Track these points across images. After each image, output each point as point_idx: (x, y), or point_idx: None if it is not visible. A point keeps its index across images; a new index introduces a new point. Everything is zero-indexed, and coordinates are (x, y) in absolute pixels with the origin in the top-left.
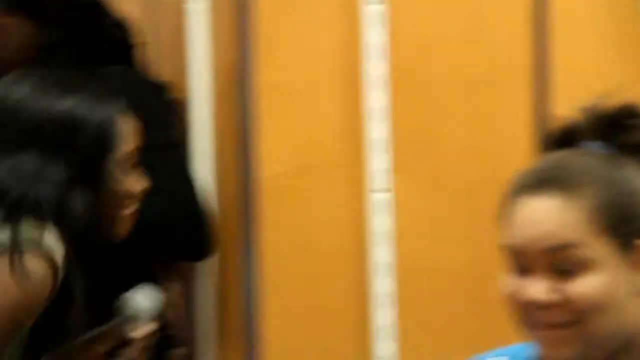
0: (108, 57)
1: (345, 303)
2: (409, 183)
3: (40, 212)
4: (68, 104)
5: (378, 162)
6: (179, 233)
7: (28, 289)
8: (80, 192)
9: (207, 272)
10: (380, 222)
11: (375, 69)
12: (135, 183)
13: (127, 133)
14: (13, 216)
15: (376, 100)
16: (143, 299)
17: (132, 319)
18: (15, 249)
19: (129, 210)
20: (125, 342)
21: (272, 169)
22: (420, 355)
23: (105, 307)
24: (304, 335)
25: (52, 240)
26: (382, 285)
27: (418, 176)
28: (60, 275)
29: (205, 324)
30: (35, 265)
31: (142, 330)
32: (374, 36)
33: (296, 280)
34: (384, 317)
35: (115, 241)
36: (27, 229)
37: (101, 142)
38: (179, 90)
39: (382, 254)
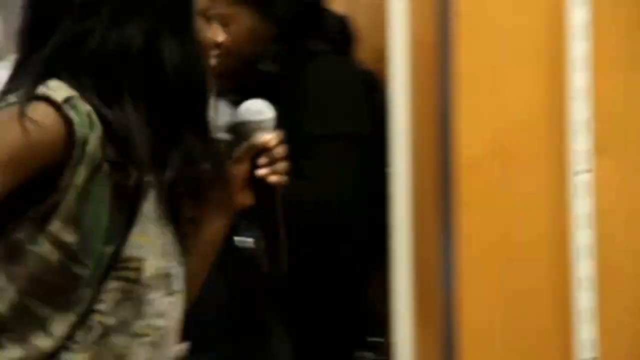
0: (325, 50)
1: (545, 286)
2: (610, 164)
3: (126, 63)
4: None
5: (580, 143)
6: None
7: (31, 134)
8: (168, 40)
9: (403, 257)
10: (582, 204)
11: (579, 48)
12: (215, 34)
13: None
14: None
15: (579, 80)
16: (258, 106)
17: (256, 127)
18: (29, 98)
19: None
20: (261, 149)
21: (471, 151)
22: (620, 339)
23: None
24: (503, 320)
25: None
26: (583, 268)
27: (620, 157)
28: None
29: (401, 309)
30: (42, 116)
31: (269, 135)
32: (579, 15)
33: (495, 264)
34: (585, 300)
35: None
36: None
37: None
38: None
39: (583, 237)
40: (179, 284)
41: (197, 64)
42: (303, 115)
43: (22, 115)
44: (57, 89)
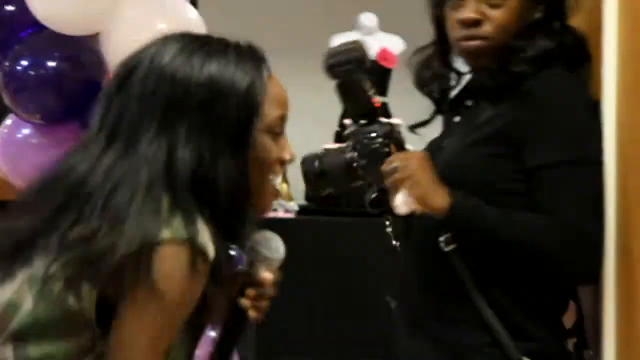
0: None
1: None
2: None
3: (193, 188)
4: (214, 69)
5: None
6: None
7: (195, 284)
8: (228, 160)
9: (610, 276)
10: None
11: None
12: (282, 151)
13: (274, 98)
14: (178, 203)
15: None
16: (276, 244)
17: (263, 261)
18: (192, 246)
19: (273, 181)
20: (255, 283)
21: None
22: None
23: None
24: None
25: (206, 234)
26: None
27: None
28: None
29: (608, 326)
30: (199, 262)
31: (270, 273)
32: None
33: None
34: None
35: (259, 214)
36: (183, 224)
37: (248, 106)
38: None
39: None
40: None
41: (245, 184)
42: (538, 140)
43: (193, 262)
44: (208, 241)
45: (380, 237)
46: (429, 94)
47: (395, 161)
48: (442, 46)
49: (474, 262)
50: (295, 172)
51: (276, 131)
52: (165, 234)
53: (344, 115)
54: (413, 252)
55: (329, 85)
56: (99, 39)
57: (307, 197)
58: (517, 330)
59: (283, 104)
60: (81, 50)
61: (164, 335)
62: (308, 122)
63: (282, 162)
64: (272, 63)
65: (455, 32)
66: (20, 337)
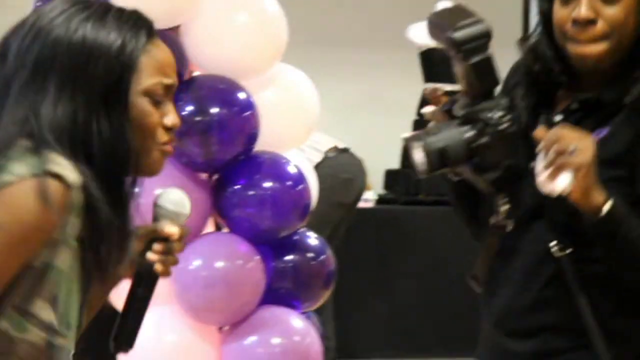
0: None
1: None
2: None
3: (63, 142)
4: (88, 30)
5: None
6: None
7: (46, 215)
8: (102, 120)
9: None
10: None
11: None
12: (163, 117)
13: (156, 64)
14: (38, 147)
15: None
16: (181, 198)
17: (169, 216)
18: (40, 176)
19: (159, 146)
20: (160, 239)
21: None
22: None
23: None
24: None
25: (73, 173)
26: None
27: None
28: (79, 209)
29: None
30: (54, 193)
31: (175, 228)
32: None
33: None
34: None
35: (147, 176)
36: (50, 160)
37: (120, 68)
38: None
39: None
40: None
41: (122, 145)
42: None
43: (41, 194)
44: (66, 169)
45: (458, 226)
46: (534, 87)
47: (572, 141)
48: (549, 41)
49: (587, 267)
50: (372, 162)
51: (156, 98)
52: (9, 174)
53: (421, 105)
54: (520, 242)
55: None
56: (181, 32)
57: (386, 186)
58: (614, 336)
59: (165, 71)
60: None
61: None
62: (386, 113)
63: (166, 129)
64: (352, 56)
65: (565, 29)
66: None
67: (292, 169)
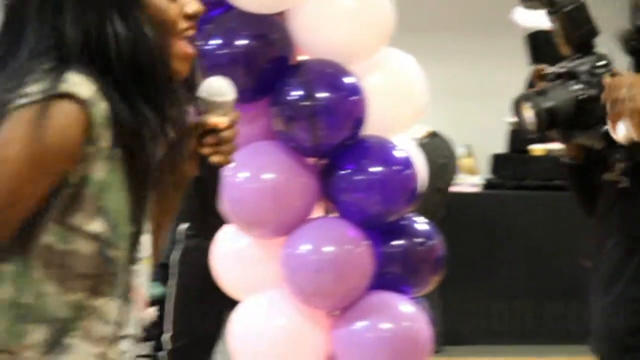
0: None
1: None
2: None
3: (81, 56)
4: None
5: None
6: None
7: (63, 133)
8: (116, 23)
9: None
10: None
11: None
12: (182, 6)
13: None
14: (55, 67)
15: None
16: (220, 85)
17: (213, 106)
18: (44, 98)
19: (182, 42)
20: (210, 130)
21: None
22: None
23: None
24: None
25: (87, 87)
26: None
27: None
28: (105, 119)
29: None
30: (67, 112)
31: (219, 117)
32: None
33: None
34: None
35: (176, 78)
36: (63, 80)
37: None
38: None
39: None
40: (146, 250)
41: (143, 44)
42: None
43: (46, 115)
44: (79, 84)
45: (564, 210)
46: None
47: (621, 88)
48: None
49: None
50: (479, 147)
51: None
52: (25, 97)
53: (528, 88)
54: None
55: (513, 59)
56: (288, 16)
57: (493, 171)
58: None
59: None
60: (270, 27)
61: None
62: (493, 97)
63: (188, 17)
64: (458, 40)
65: None
66: None
67: (400, 154)
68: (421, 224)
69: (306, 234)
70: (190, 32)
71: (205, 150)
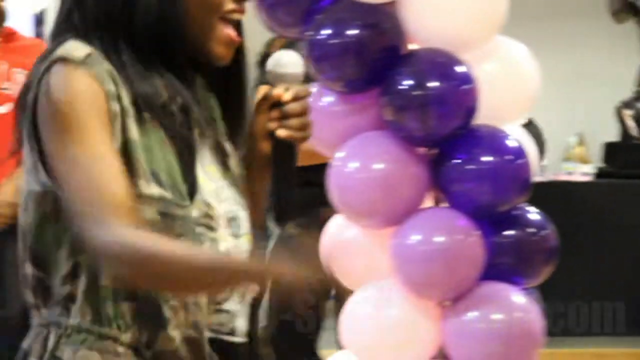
0: None
1: None
2: None
3: (99, 27)
4: None
5: None
6: None
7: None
8: None
9: None
10: None
11: None
12: None
13: None
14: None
15: None
16: (288, 58)
17: (279, 78)
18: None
19: (226, 26)
20: (276, 103)
21: None
22: None
23: None
24: None
25: (80, 49)
26: None
27: None
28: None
29: None
30: (64, 74)
31: (281, 88)
32: None
33: None
34: None
35: (217, 63)
36: (61, 47)
37: None
38: None
39: None
40: (244, 227)
41: (171, 15)
42: None
43: (50, 82)
44: (75, 49)
45: None
46: None
47: None
48: None
49: None
50: (591, 135)
51: None
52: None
53: None
54: None
55: (626, 48)
56: (398, 6)
57: (605, 160)
58: None
59: None
60: (381, 17)
61: (96, 153)
62: (605, 85)
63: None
64: (570, 28)
65: None
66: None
67: (512, 143)
68: (533, 213)
69: (416, 224)
70: (237, 16)
71: (272, 125)
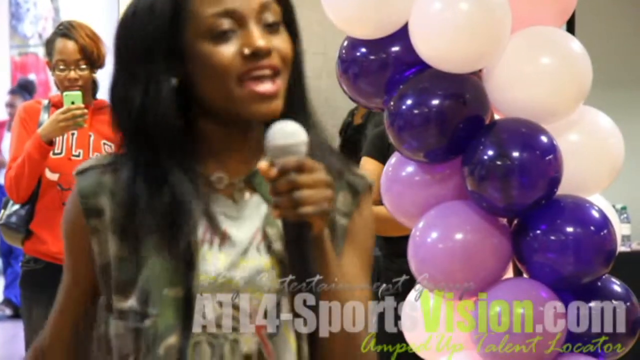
0: None
1: None
2: None
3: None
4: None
5: None
6: None
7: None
8: (131, 87)
9: None
10: None
11: None
12: (241, 46)
13: None
14: None
15: None
16: (283, 129)
17: (280, 151)
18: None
19: (252, 83)
20: (277, 177)
21: None
22: None
23: None
24: None
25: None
26: None
27: None
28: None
29: None
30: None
31: (278, 163)
32: None
33: None
34: None
35: (258, 121)
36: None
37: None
38: None
39: None
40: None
41: (156, 106)
42: None
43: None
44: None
45: None
46: None
47: None
48: None
49: None
50: None
51: (220, 31)
52: None
53: None
54: None
55: None
56: (482, 76)
57: None
58: None
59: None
60: (464, 87)
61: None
62: None
63: (247, 58)
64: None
65: None
66: None
67: (595, 213)
68: (617, 285)
69: (498, 294)
70: (259, 72)
71: (275, 202)
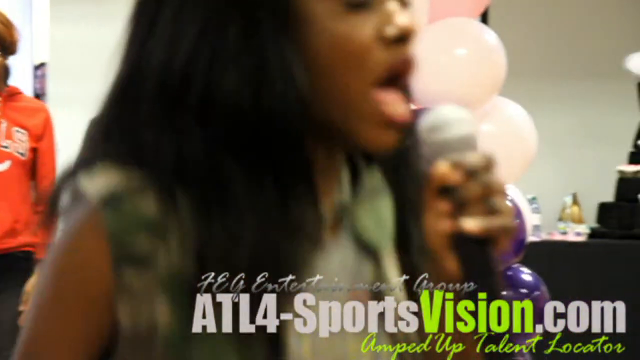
0: None
1: None
2: None
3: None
4: None
5: None
6: None
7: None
8: (248, 59)
9: None
10: None
11: None
12: (384, 25)
13: None
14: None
15: None
16: (454, 115)
17: (442, 147)
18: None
19: (382, 94)
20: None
21: None
22: None
23: None
24: None
25: (104, 180)
26: None
27: None
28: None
29: None
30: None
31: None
32: None
33: None
34: None
35: (364, 147)
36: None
37: None
38: None
39: None
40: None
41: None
42: None
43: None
44: (97, 179)
45: None
46: None
47: None
48: None
49: None
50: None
51: None
52: None
53: (638, 136)
54: None
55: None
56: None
57: (599, 220)
58: None
59: None
60: None
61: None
62: (600, 144)
63: (389, 42)
64: (560, 85)
65: None
66: None
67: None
68: (526, 274)
69: None
70: (402, 80)
71: (443, 224)
